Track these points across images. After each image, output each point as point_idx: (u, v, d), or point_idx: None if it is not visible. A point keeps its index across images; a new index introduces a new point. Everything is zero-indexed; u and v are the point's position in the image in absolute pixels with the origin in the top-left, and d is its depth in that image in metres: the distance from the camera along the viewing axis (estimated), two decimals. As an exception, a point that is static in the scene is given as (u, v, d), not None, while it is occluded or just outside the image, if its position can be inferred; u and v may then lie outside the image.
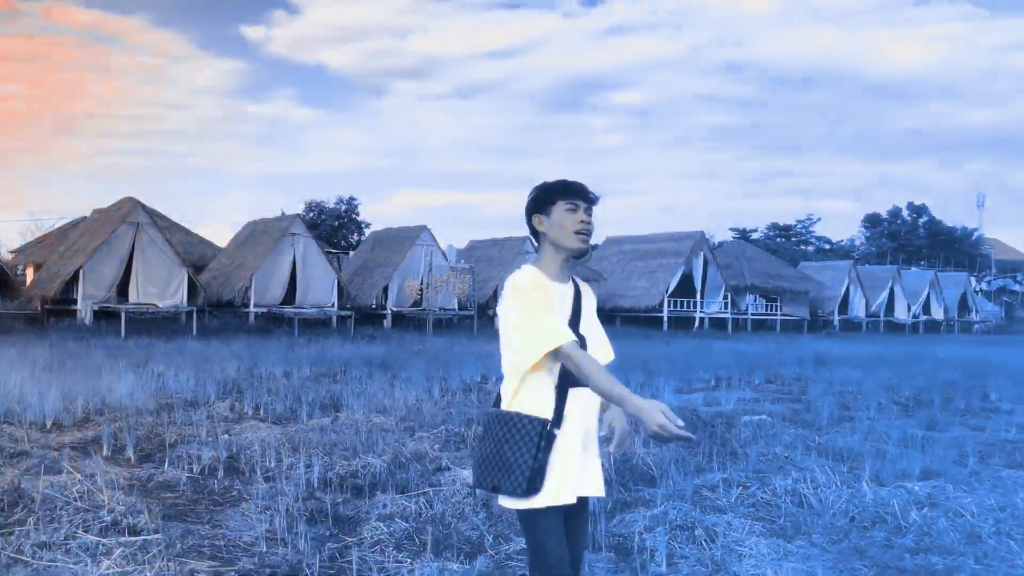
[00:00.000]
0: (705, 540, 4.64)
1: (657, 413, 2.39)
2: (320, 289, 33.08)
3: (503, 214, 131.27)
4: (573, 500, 2.66)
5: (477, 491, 5.66)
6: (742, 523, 5.02)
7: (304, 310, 32.02)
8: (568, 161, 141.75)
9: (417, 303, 35.72)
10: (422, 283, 35.67)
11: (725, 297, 46.18)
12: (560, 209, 2.76)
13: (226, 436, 7.96)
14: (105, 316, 28.89)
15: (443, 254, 37.12)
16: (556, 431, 2.64)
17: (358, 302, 34.65)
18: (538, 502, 2.62)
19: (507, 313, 2.68)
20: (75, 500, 4.89)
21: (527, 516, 2.66)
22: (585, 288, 2.91)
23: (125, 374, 12.24)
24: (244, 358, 17.39)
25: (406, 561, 4.38)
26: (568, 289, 2.81)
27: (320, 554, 4.45)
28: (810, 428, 9.20)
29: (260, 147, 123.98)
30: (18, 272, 41.43)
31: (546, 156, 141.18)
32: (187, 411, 9.62)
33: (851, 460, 7.19)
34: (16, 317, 28.99)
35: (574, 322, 2.74)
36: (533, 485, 2.60)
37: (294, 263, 32.43)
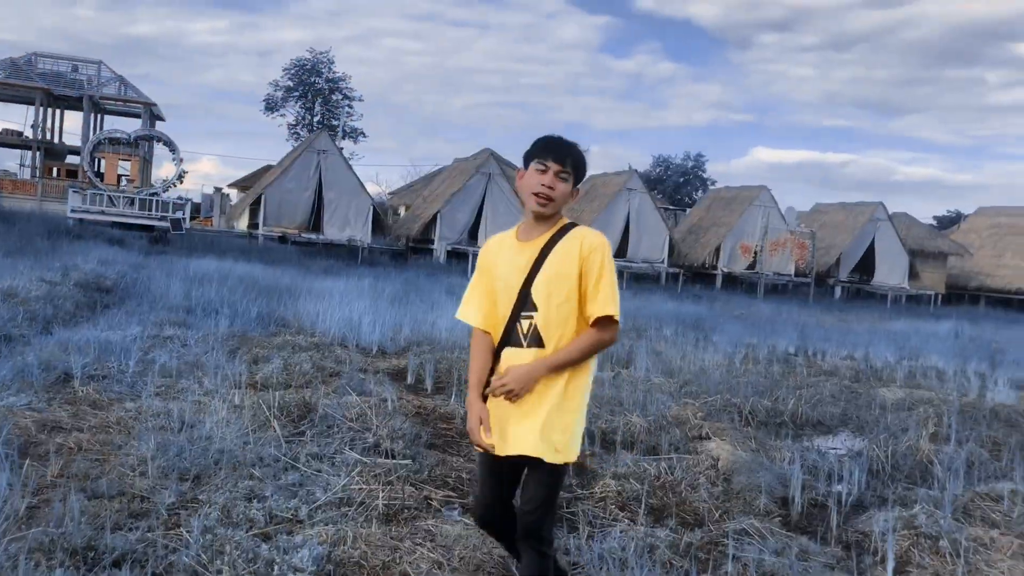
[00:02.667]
0: (951, 553, 4.20)
1: (474, 418, 2.84)
2: (651, 244, 33.45)
3: (866, 176, 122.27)
4: (492, 450, 2.79)
5: (719, 465, 5.59)
6: (1010, 542, 4.46)
7: (634, 264, 32.61)
8: (950, 120, 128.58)
9: (751, 266, 34.80)
10: (757, 246, 34.62)
11: None
12: (532, 168, 2.77)
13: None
14: (457, 256, 31.67)
15: (782, 216, 35.64)
16: (491, 379, 2.84)
17: (689, 260, 34.57)
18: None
19: None
20: (351, 421, 5.58)
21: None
22: (571, 236, 2.80)
23: (452, 310, 13.40)
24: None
25: (623, 521, 4.48)
26: (533, 246, 2.80)
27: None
28: None
29: (620, 101, 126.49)
30: (396, 212, 46.52)
31: (925, 113, 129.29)
32: (491, 352, 10.37)
33: None
34: (385, 252, 32.76)
35: (528, 280, 2.76)
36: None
37: (628, 217, 33.04)
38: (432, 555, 3.69)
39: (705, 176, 63.74)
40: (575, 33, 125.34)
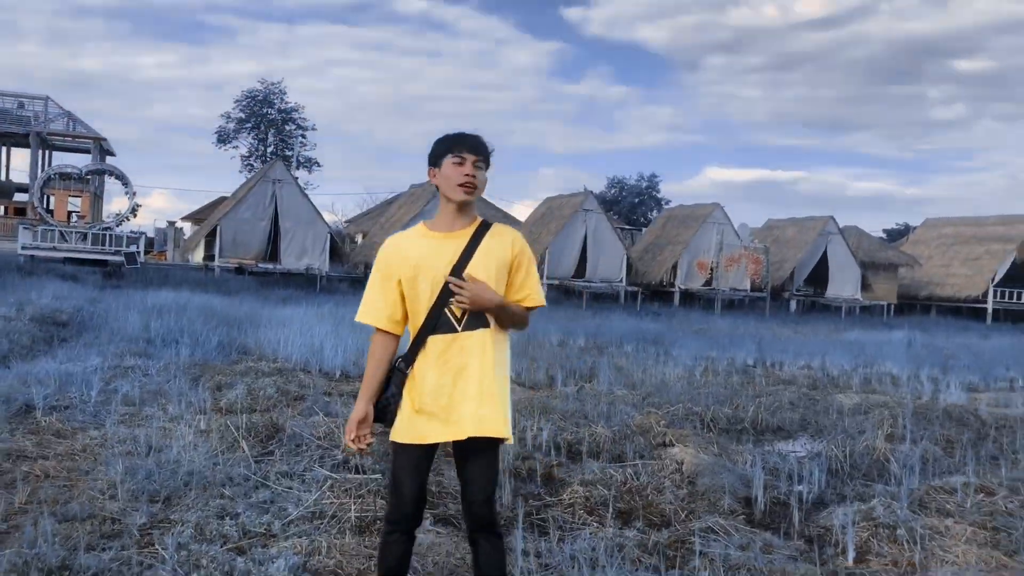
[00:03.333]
0: (908, 541, 4.35)
1: (354, 417, 2.90)
2: (609, 264, 33.78)
3: (817, 192, 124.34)
4: (424, 441, 2.84)
5: (683, 468, 5.72)
6: (963, 530, 4.62)
7: (593, 284, 32.90)
8: (896, 135, 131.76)
9: (708, 282, 35.27)
10: (712, 262, 35.13)
11: (1068, 289, 40.74)
12: (448, 162, 2.88)
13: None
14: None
15: (736, 233, 36.23)
16: (406, 369, 2.89)
17: (647, 278, 34.94)
18: (395, 436, 2.89)
19: None
20: (319, 439, 5.61)
21: (391, 447, 2.93)
22: (497, 232, 2.96)
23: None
24: (529, 327, 18.35)
25: (592, 524, 4.57)
26: (458, 235, 2.90)
27: (518, 508, 4.77)
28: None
29: (573, 126, 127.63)
30: (353, 239, 46.37)
31: (870, 129, 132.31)
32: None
33: None
34: (344, 279, 32.65)
35: (460, 265, 2.84)
36: (380, 415, 2.91)
37: (585, 238, 33.36)
38: (406, 562, 3.74)
39: (659, 196, 64.51)
40: (526, 59, 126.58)
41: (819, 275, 38.76)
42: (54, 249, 27.22)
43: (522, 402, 8.07)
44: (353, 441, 2.90)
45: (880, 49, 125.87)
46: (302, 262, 30.76)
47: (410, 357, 2.88)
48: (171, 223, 53.81)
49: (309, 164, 57.43)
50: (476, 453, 2.85)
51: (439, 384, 2.83)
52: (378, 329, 2.94)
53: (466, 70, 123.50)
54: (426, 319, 2.86)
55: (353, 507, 4.33)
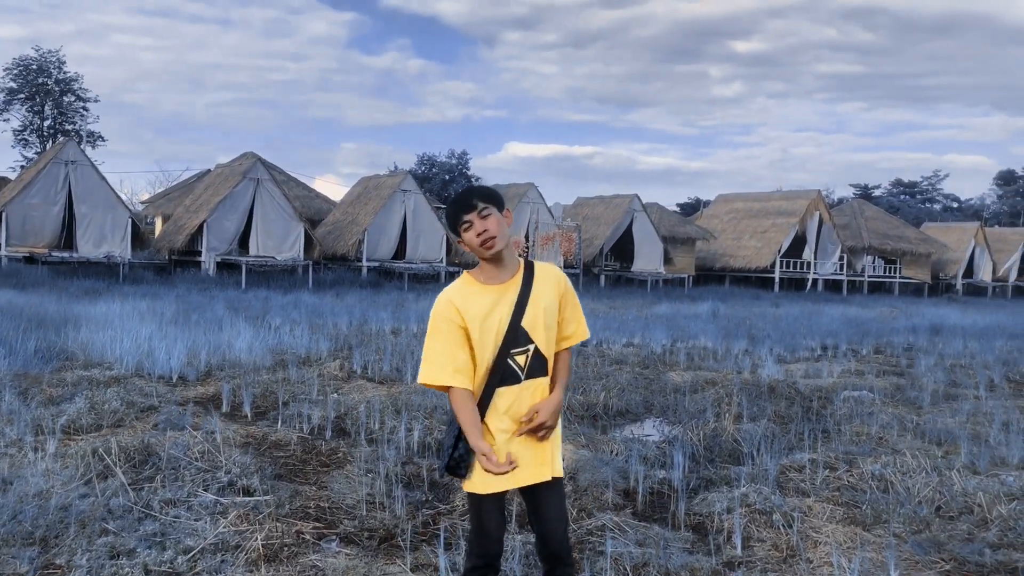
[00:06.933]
0: (783, 525, 4.75)
1: (496, 455, 2.81)
2: (429, 245, 33.83)
3: (611, 167, 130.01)
4: (515, 486, 2.95)
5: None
6: (823, 508, 5.10)
7: (414, 265, 32.85)
8: (679, 112, 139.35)
9: (524, 260, 36.10)
10: (528, 241, 35.96)
11: (841, 258, 44.90)
12: (462, 231, 2.95)
13: (335, 396, 8.42)
14: (227, 267, 30.42)
15: (549, 211, 37.25)
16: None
17: (466, 258, 35.28)
18: (480, 488, 2.92)
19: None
20: (196, 460, 5.37)
21: (471, 498, 2.98)
22: (542, 275, 3.02)
23: (244, 329, 12.92)
24: (356, 313, 18.13)
25: (493, 531, 4.66)
26: (509, 286, 2.96)
27: (414, 520, 4.79)
28: (911, 407, 9.06)
29: (372, 98, 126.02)
30: (147, 222, 43.78)
31: (657, 106, 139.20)
32: (300, 368, 10.18)
33: (948, 444, 7.10)
34: (147, 266, 30.83)
35: (517, 315, 2.91)
36: (455, 471, 2.93)
37: (405, 219, 33.21)
38: (331, 591, 3.69)
39: (469, 173, 65.05)
40: (323, 29, 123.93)
41: (625, 250, 40.60)
42: None
43: (380, 400, 8.02)
44: (502, 465, 2.82)
45: (665, 29, 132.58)
46: (101, 249, 28.74)
47: (480, 412, 2.90)
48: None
49: (93, 139, 53.37)
50: (551, 491, 3.00)
51: (515, 433, 2.92)
52: (455, 387, 2.89)
53: (259, 39, 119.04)
54: (491, 373, 2.90)
55: (258, 535, 4.20)
